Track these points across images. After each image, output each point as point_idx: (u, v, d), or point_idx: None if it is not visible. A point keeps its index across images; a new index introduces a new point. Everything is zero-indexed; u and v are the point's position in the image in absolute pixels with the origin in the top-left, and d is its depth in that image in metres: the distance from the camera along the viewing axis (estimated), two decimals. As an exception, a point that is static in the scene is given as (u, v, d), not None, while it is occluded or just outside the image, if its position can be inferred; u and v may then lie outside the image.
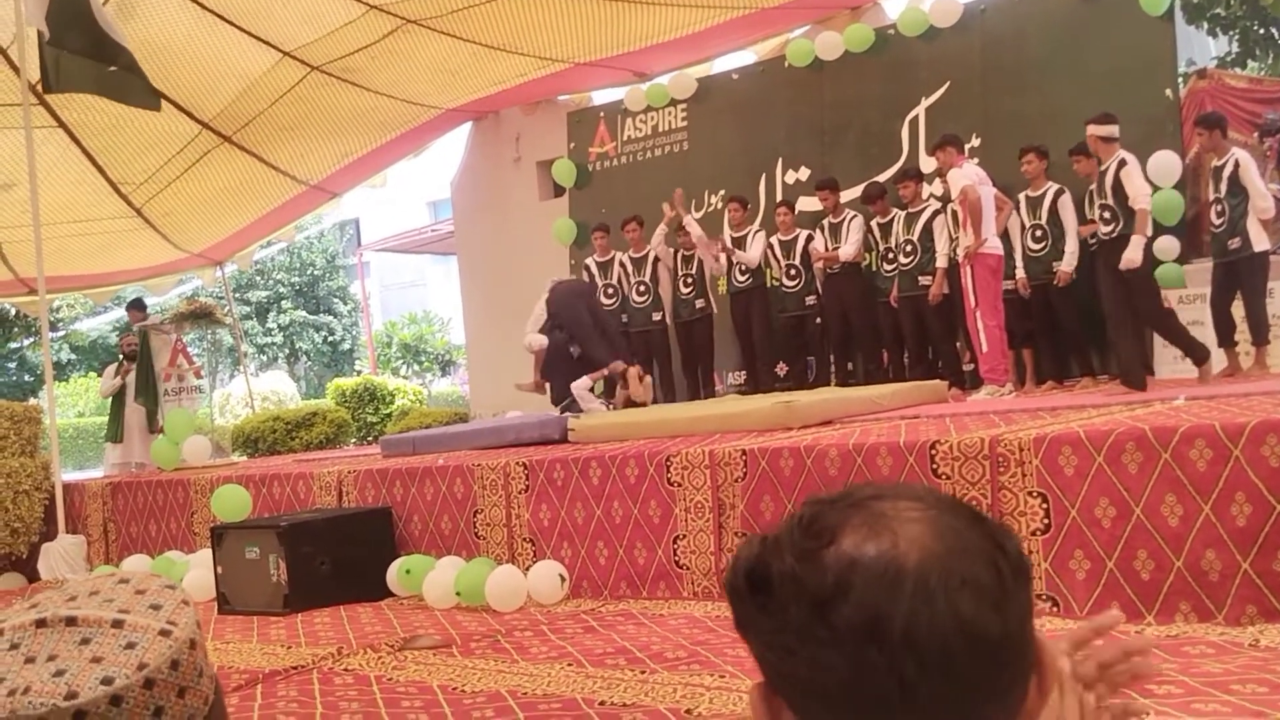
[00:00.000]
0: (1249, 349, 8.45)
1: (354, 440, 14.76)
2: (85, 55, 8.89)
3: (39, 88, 10.83)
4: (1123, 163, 8.21)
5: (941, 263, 9.60)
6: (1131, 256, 8.06)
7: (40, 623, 1.10)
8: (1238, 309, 8.46)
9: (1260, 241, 8.30)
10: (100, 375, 13.55)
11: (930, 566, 0.94)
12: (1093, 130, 8.41)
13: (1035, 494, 4.98)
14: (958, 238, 9.16)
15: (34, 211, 9.36)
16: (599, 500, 6.61)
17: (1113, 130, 8.34)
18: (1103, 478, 4.82)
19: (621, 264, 11.60)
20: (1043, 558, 4.93)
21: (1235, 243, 8.32)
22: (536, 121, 14.03)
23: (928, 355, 10.01)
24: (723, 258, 10.94)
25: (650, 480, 6.38)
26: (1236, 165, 8.36)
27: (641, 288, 11.45)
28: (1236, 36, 15.02)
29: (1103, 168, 8.36)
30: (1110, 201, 8.29)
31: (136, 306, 13.27)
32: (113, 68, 8.95)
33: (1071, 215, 9.30)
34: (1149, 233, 8.27)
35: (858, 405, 7.87)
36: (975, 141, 10.35)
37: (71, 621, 1.10)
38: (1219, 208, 8.45)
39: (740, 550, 1.02)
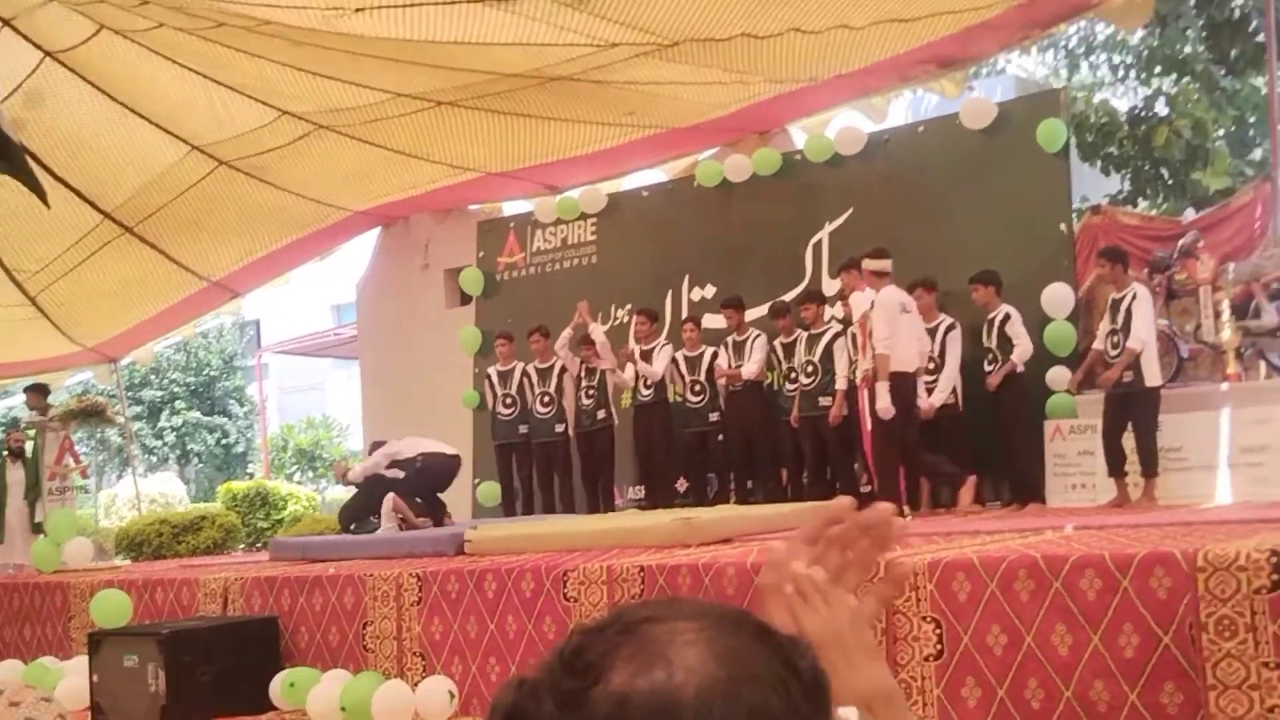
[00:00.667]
0: (1138, 480, 8.61)
1: (243, 546, 14.41)
2: None
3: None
4: (873, 304, 8.47)
5: (841, 385, 9.71)
6: (882, 406, 8.45)
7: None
8: (1128, 440, 8.64)
9: (1152, 376, 8.50)
10: None
11: (711, 697, 0.83)
12: (866, 264, 8.71)
13: (929, 619, 4.98)
14: (857, 360, 9.27)
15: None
16: (493, 614, 6.50)
17: (885, 265, 8.68)
18: (995, 605, 4.84)
19: (526, 374, 11.55)
20: (935, 683, 4.92)
21: (1129, 376, 8.49)
22: (446, 229, 14.06)
23: (826, 476, 10.06)
24: (629, 368, 10.94)
25: (546, 595, 6.30)
26: (1134, 298, 8.57)
27: (546, 398, 11.42)
28: (1129, 175, 15.59)
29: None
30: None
31: (38, 391, 12.81)
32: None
33: (956, 350, 9.44)
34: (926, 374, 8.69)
35: (757, 524, 7.86)
36: (877, 266, 10.53)
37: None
38: (1114, 339, 8.63)
39: (497, 696, 0.89)
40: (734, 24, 9.19)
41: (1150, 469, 8.49)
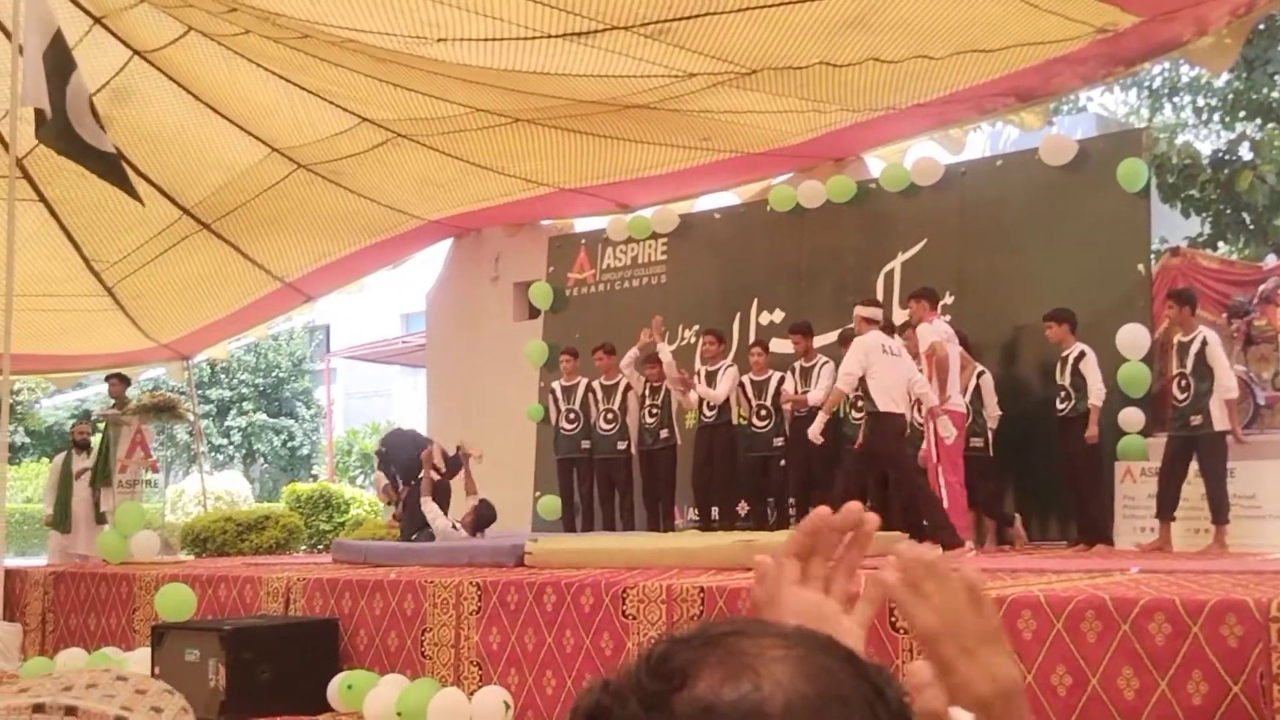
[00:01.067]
0: (1204, 526, 8.53)
1: (305, 547, 14.55)
2: (73, 157, 8.98)
3: (24, 162, 10.90)
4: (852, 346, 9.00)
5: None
6: (813, 431, 9.16)
7: (38, 708, 1.07)
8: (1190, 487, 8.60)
9: (1221, 421, 8.42)
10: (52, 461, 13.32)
11: (798, 712, 0.82)
12: (857, 310, 9.10)
13: (992, 656, 4.92)
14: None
15: (8, 289, 9.27)
16: (551, 627, 6.52)
17: (875, 313, 9.04)
18: (1060, 645, 4.79)
19: (591, 390, 11.56)
20: (996, 722, 4.86)
21: (1197, 419, 8.44)
22: (517, 243, 14.14)
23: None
24: (692, 393, 10.91)
25: (605, 611, 6.30)
26: (1204, 344, 8.52)
27: (609, 415, 11.42)
28: (1209, 218, 15.37)
29: None
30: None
31: (121, 380, 12.98)
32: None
33: (989, 396, 9.58)
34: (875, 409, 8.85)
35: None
36: (949, 299, 10.46)
37: (71, 711, 1.07)
38: (1183, 383, 8.58)
39: (579, 698, 0.89)
40: (813, 52, 9.18)
41: (1221, 516, 8.39)
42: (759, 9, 8.41)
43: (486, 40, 8.69)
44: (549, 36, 8.59)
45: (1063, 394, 9.12)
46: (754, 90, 9.77)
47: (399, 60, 9.16)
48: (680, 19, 8.45)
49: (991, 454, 9.57)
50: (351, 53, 9.16)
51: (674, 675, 0.85)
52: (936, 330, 9.00)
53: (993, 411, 9.59)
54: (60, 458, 12.81)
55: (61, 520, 12.32)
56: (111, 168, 9.34)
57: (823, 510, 1.19)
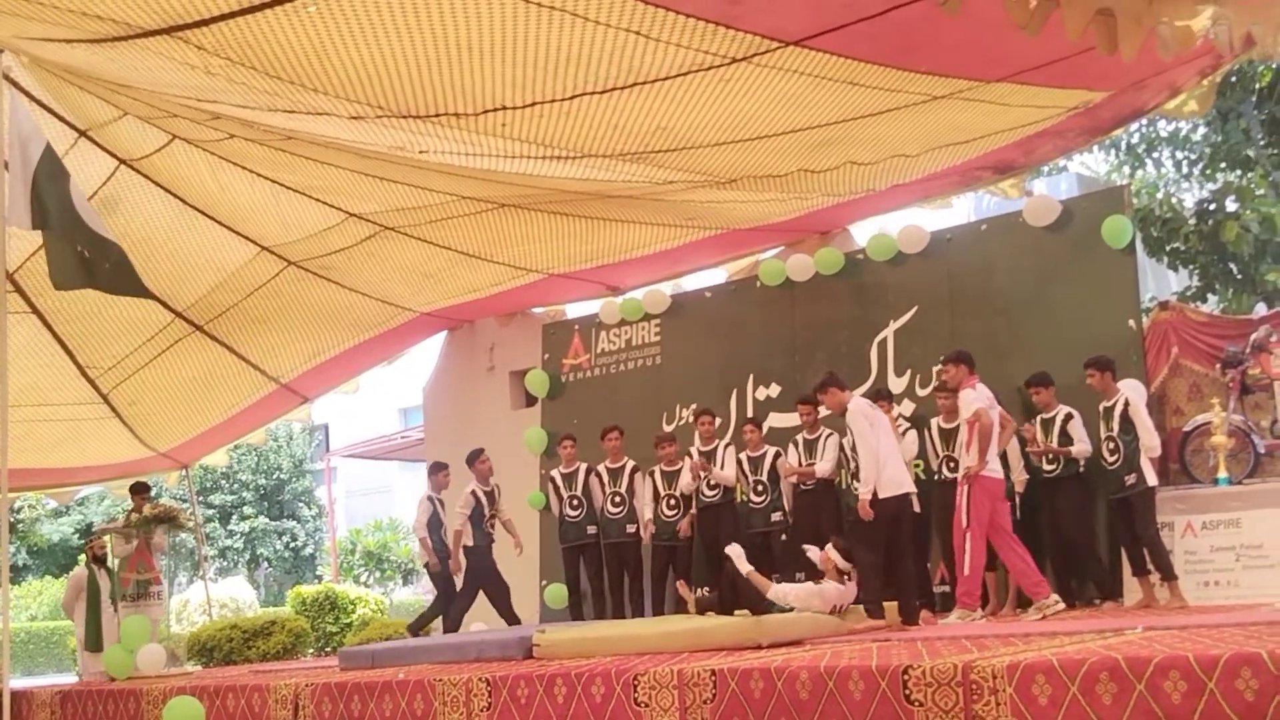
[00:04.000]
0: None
1: (313, 650, 14.40)
2: (81, 256, 8.95)
3: (16, 276, 10.92)
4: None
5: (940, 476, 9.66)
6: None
7: None
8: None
9: (1151, 477, 8.73)
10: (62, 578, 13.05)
11: None
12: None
13: (1009, 723, 4.88)
14: (957, 458, 9.13)
15: (2, 405, 9.20)
16: (563, 720, 6.44)
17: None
18: (1077, 708, 4.74)
19: (596, 473, 11.50)
20: (1018, 791, 4.80)
21: (1132, 478, 8.75)
22: (511, 332, 14.19)
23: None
24: (700, 474, 10.83)
25: (617, 700, 6.24)
26: (1126, 404, 8.86)
27: (617, 499, 11.35)
28: (1197, 271, 15.40)
29: None
30: None
31: (140, 490, 12.65)
32: (106, 265, 8.99)
33: (1016, 460, 9.48)
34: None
35: (829, 627, 7.79)
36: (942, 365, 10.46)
37: None
38: (1111, 445, 8.92)
39: None
40: (791, 163, 9.40)
41: (1168, 572, 8.62)
42: (734, 143, 8.60)
43: (469, 155, 8.85)
44: (531, 157, 8.78)
45: (1049, 456, 9.29)
46: (735, 189, 9.93)
47: (381, 156, 9.27)
48: (657, 151, 8.64)
49: (1019, 516, 9.33)
50: (335, 151, 9.26)
51: None
52: (979, 397, 8.86)
53: (1019, 476, 9.49)
54: (80, 575, 12.50)
55: (96, 639, 11.92)
56: (121, 269, 9.28)
57: None
